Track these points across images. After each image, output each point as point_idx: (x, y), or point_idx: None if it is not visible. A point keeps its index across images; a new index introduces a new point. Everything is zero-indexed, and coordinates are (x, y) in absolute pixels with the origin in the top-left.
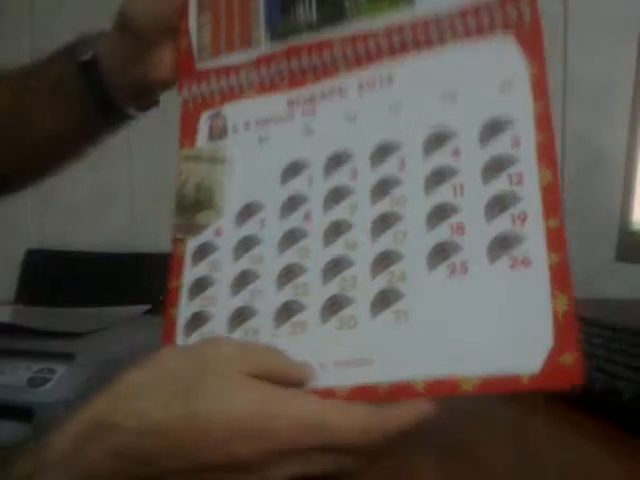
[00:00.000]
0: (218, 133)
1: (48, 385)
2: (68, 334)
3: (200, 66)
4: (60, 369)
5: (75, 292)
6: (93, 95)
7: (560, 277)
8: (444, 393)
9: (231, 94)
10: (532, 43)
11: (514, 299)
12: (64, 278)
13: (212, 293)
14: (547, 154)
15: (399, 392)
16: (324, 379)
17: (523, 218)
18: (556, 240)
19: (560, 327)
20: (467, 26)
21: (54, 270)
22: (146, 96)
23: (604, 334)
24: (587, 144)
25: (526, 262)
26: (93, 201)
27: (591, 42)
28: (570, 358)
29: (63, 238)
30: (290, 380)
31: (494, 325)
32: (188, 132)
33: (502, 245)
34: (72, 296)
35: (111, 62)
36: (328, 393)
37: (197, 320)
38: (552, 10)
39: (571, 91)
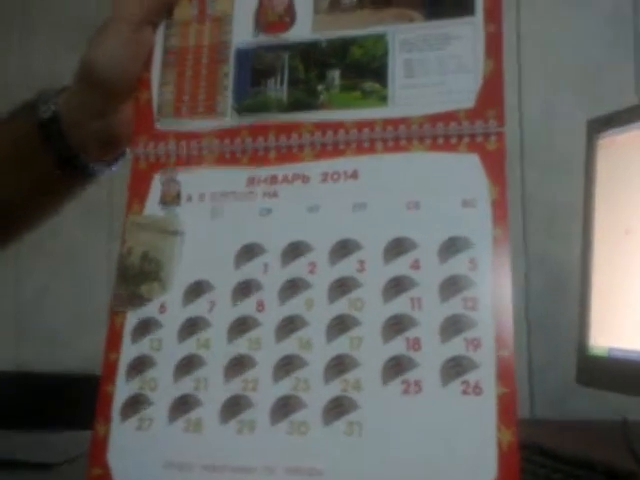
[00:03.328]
0: (171, 199)
1: None
2: (42, 465)
3: (159, 125)
4: None
5: (50, 414)
6: (56, 153)
7: (506, 410)
8: None
9: (188, 160)
10: (495, 167)
11: (463, 426)
12: (39, 400)
13: (153, 375)
14: (502, 282)
15: None
16: None
17: (476, 344)
18: (506, 371)
19: (503, 460)
20: (435, 135)
21: (29, 392)
22: (112, 150)
23: (562, 468)
24: (549, 262)
25: (478, 389)
26: (71, 324)
27: (546, 168)
28: None
29: (40, 360)
30: None
31: (442, 449)
32: (138, 193)
33: (456, 368)
34: (47, 418)
35: (74, 117)
36: None
37: (135, 403)
38: (509, 136)
39: (530, 214)
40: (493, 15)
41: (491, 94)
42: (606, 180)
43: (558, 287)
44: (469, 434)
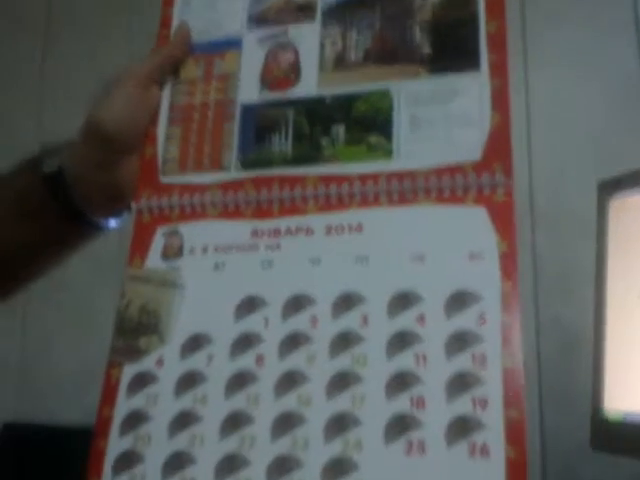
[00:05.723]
0: (173, 253)
1: None
2: None
3: (164, 179)
4: None
5: (54, 467)
6: (60, 207)
7: (516, 475)
8: None
9: (192, 213)
10: (503, 220)
11: None
12: (43, 453)
13: (147, 431)
14: (511, 339)
15: None
16: None
17: (484, 403)
18: (515, 433)
19: None
20: (441, 188)
21: (33, 445)
22: (117, 203)
23: None
24: (561, 324)
25: (485, 451)
26: (76, 377)
27: (557, 230)
28: None
29: (42, 412)
30: None
31: None
32: (140, 246)
33: (462, 428)
34: (51, 471)
35: (79, 172)
36: None
37: (128, 460)
38: (519, 198)
39: (542, 276)
40: (499, 69)
41: (498, 147)
42: (618, 242)
43: (571, 350)
44: None
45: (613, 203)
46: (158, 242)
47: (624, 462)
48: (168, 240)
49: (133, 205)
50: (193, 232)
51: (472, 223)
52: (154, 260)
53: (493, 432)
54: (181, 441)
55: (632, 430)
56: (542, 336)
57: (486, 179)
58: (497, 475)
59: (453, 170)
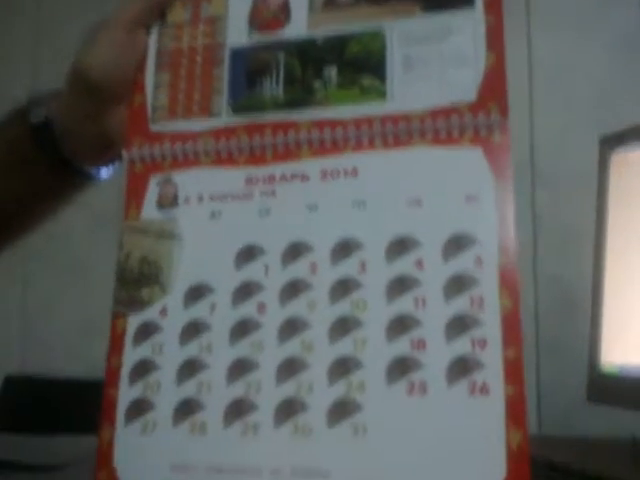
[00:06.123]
0: (168, 202)
1: None
2: (46, 467)
3: (154, 127)
4: None
5: (55, 419)
6: (49, 158)
7: (515, 411)
8: None
9: (185, 161)
10: (500, 162)
11: (470, 427)
12: (44, 404)
13: (155, 379)
14: (508, 281)
15: None
16: None
17: (482, 344)
18: (513, 371)
19: (513, 461)
20: (437, 130)
21: (34, 396)
22: (107, 153)
23: None
24: (559, 281)
25: (485, 389)
26: (76, 329)
27: (557, 188)
28: None
29: (45, 365)
30: None
31: (449, 450)
32: (135, 196)
33: (462, 368)
34: (51, 423)
35: (66, 122)
36: None
37: (139, 408)
38: (520, 156)
39: (540, 233)
40: (493, 7)
41: (493, 87)
42: (620, 197)
43: (568, 306)
44: (476, 435)
45: (615, 158)
46: (152, 191)
47: (619, 413)
48: (162, 189)
49: (124, 154)
50: (187, 181)
51: (468, 164)
52: (150, 210)
53: (492, 371)
54: (189, 388)
55: (627, 383)
56: (540, 292)
57: (482, 119)
58: (497, 412)
59: (448, 111)
